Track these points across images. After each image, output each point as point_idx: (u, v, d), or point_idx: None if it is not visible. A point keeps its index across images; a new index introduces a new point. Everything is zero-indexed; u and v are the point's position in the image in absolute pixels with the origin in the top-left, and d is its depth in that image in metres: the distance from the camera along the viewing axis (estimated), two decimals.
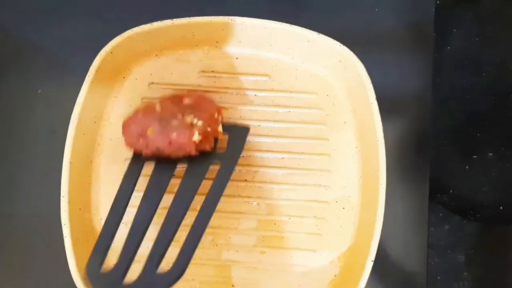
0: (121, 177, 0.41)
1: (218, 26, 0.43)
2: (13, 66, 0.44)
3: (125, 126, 0.38)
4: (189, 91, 0.44)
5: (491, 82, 0.51)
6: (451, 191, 0.52)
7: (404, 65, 0.48)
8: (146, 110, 0.38)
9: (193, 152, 0.37)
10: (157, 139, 0.37)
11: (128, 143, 0.38)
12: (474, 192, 0.51)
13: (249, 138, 0.45)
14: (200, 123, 0.37)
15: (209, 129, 0.39)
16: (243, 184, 0.45)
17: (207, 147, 0.39)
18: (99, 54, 0.42)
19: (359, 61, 0.42)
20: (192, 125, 0.37)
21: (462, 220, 0.55)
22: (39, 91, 0.47)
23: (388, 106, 0.44)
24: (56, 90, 0.47)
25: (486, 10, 0.50)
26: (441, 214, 0.56)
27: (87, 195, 0.44)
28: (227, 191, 0.44)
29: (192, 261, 0.44)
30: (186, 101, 0.39)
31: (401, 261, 0.46)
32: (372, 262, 0.40)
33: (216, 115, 0.40)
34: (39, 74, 0.44)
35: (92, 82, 0.42)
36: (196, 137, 0.37)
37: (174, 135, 0.37)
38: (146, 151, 0.38)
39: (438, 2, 0.50)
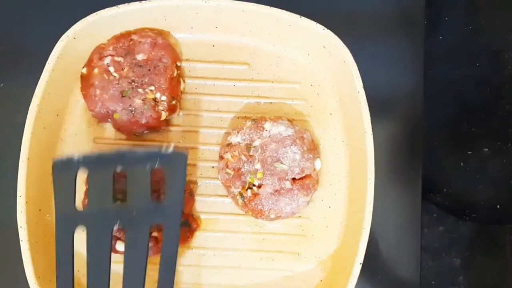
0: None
1: (191, 9, 0.40)
2: None
3: (88, 103, 0.40)
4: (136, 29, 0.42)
5: (486, 73, 0.48)
6: (445, 189, 0.49)
7: (394, 55, 0.45)
8: (101, 78, 0.39)
9: (163, 127, 0.42)
10: (126, 124, 0.39)
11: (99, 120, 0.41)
12: (469, 191, 0.49)
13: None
14: (164, 98, 0.39)
15: (173, 102, 0.40)
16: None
17: (174, 114, 0.42)
18: (60, 39, 0.39)
19: (344, 46, 0.39)
20: (156, 102, 0.39)
21: (457, 221, 0.53)
22: (1, 84, 0.44)
23: (376, 100, 0.41)
24: (19, 84, 0.43)
25: None
26: (435, 215, 0.53)
27: (49, 195, 0.40)
28: (207, 189, 0.42)
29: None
30: (135, 37, 0.40)
31: (393, 264, 0.43)
32: (361, 265, 0.37)
33: (175, 73, 0.40)
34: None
35: (53, 70, 0.39)
36: (164, 116, 0.39)
37: (143, 121, 0.39)
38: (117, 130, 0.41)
39: None
